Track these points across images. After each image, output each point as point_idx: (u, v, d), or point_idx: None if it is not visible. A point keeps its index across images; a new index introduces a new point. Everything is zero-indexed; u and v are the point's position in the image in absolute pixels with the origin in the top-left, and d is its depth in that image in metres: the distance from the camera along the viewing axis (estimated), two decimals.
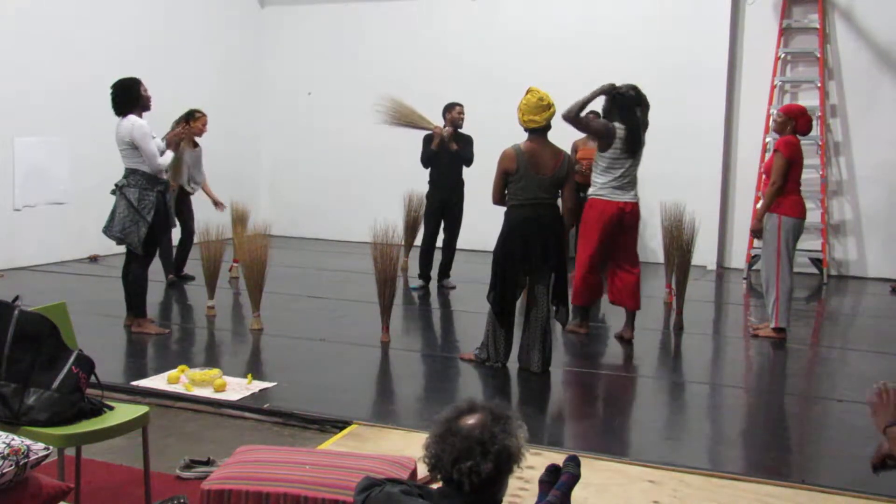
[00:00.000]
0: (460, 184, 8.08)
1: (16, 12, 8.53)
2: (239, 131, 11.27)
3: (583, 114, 6.11)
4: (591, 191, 6.17)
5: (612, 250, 6.21)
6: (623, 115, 6.05)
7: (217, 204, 8.27)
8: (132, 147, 5.90)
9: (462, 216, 8.19)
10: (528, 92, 5.33)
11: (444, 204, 8.07)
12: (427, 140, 8.01)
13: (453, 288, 8.14)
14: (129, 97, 5.97)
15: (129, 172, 5.97)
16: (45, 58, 8.72)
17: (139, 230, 5.91)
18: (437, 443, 2.12)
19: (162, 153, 5.99)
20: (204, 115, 8.00)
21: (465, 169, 8.02)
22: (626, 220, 6.12)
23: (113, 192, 6.05)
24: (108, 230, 6.05)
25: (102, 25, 9.39)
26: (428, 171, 8.04)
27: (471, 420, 2.13)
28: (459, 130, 7.98)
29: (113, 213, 6.01)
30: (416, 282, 8.16)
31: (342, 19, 11.48)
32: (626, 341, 6.28)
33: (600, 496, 3.57)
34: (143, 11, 9.95)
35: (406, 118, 8.15)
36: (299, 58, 11.74)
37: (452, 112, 7.98)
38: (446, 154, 7.88)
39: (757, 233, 6.45)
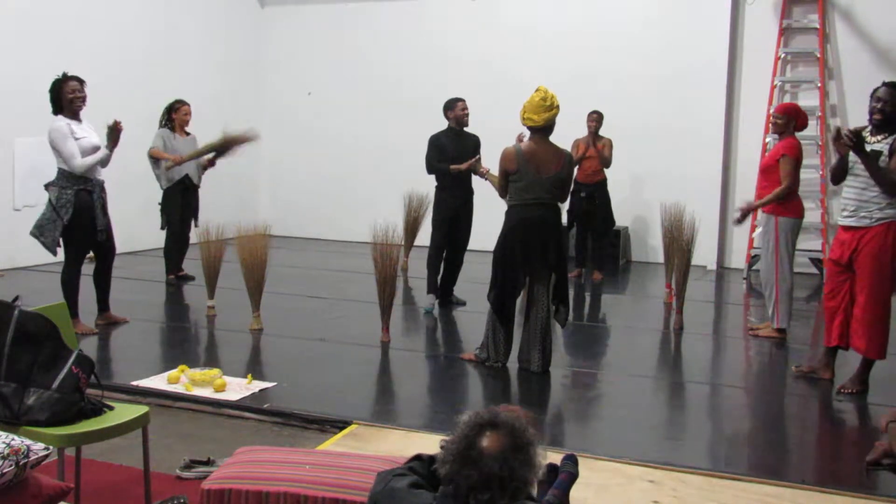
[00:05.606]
0: (471, 192, 7.23)
1: (16, 12, 8.52)
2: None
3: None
4: (887, 212, 4.92)
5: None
6: None
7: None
8: (54, 148, 5.82)
9: (471, 227, 7.35)
10: (535, 90, 5.33)
11: (456, 214, 7.15)
12: (434, 142, 7.07)
13: (463, 304, 7.40)
14: (53, 98, 5.88)
15: (57, 171, 5.89)
16: (45, 58, 8.70)
17: (55, 230, 5.80)
18: (456, 464, 2.04)
19: (98, 151, 5.82)
20: (184, 104, 7.97)
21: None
22: None
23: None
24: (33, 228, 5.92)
25: (102, 25, 9.38)
26: (434, 175, 7.17)
27: (491, 446, 2.03)
28: (466, 130, 7.14)
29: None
30: (427, 301, 7.21)
31: (342, 19, 11.49)
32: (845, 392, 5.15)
33: (600, 496, 3.57)
34: (143, 11, 9.95)
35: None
36: (299, 58, 11.74)
37: (455, 110, 7.10)
38: (462, 157, 6.91)
39: (741, 221, 6.44)
